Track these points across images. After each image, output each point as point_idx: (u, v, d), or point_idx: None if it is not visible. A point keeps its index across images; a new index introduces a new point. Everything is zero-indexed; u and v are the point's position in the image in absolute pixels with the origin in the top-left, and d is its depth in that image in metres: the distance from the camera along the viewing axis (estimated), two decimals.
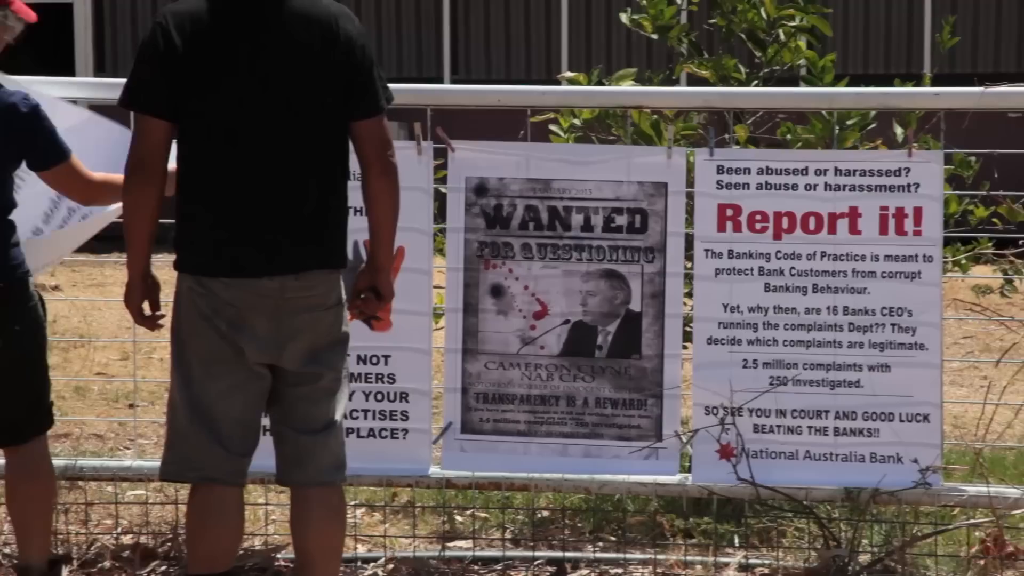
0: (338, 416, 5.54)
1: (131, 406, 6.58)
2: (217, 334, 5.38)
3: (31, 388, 5.95)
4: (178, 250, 5.44)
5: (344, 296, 5.53)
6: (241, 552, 6.24)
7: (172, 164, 5.43)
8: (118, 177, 5.62)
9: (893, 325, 6.34)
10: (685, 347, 6.50)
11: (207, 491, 5.48)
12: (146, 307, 5.57)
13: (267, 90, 5.33)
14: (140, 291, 5.53)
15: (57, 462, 6.51)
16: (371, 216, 5.53)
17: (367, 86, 5.44)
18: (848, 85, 7.44)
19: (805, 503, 6.44)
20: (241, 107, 5.32)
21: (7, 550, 6.46)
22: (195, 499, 5.51)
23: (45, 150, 5.83)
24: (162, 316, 5.56)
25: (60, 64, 16.94)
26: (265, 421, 5.61)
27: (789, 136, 7.28)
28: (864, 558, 6.35)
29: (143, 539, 6.69)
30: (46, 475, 6.00)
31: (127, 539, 6.70)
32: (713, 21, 7.77)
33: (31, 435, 5.97)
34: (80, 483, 6.84)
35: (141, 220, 5.42)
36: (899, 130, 7.00)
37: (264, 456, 5.63)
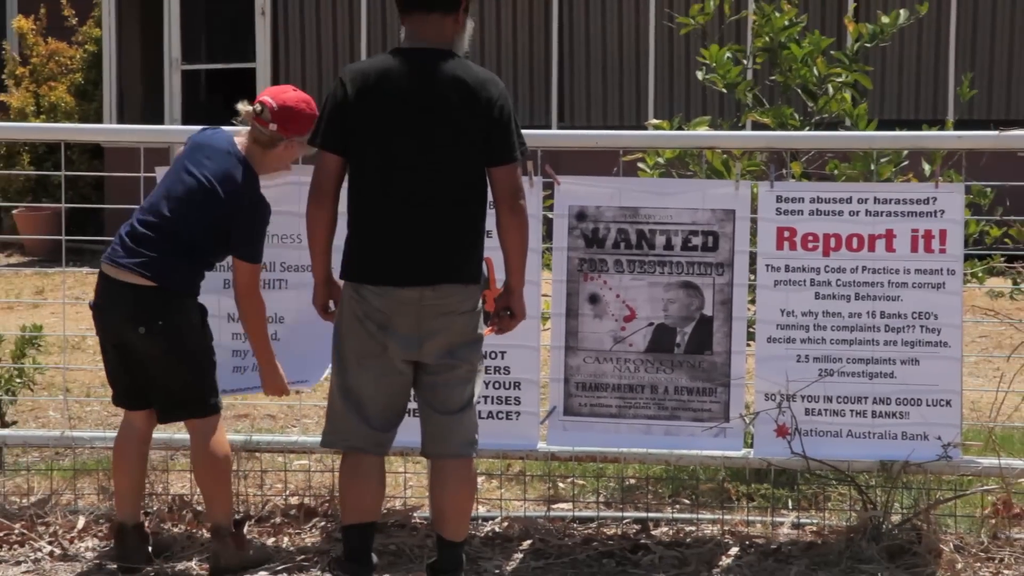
0: (472, 400, 5.62)
1: (297, 392, 6.62)
2: (367, 334, 5.51)
3: (173, 377, 5.94)
4: (344, 262, 5.60)
5: (476, 306, 5.60)
6: (384, 511, 6.29)
7: None
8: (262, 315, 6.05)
9: (922, 327, 6.32)
10: (749, 345, 6.48)
11: (354, 458, 5.63)
12: (331, 305, 5.74)
13: (420, 138, 5.45)
14: (324, 293, 5.75)
15: (237, 438, 6.59)
16: (503, 247, 5.64)
17: (503, 139, 5.51)
18: (883, 128, 7.42)
19: (847, 473, 6.42)
20: (398, 151, 5.46)
21: (199, 508, 6.52)
22: (345, 464, 5.67)
23: (249, 249, 5.99)
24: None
25: None
26: (413, 404, 5.72)
27: (836, 171, 7.25)
28: (895, 518, 6.32)
29: (306, 500, 6.72)
30: (212, 454, 5.97)
31: (294, 500, 6.74)
32: (773, 77, 7.75)
33: (184, 417, 6.00)
34: (256, 455, 6.90)
35: (319, 234, 5.63)
36: (927, 166, 6.96)
37: (405, 433, 5.72)
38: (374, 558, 5.75)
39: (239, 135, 6.09)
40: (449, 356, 5.55)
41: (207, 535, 6.22)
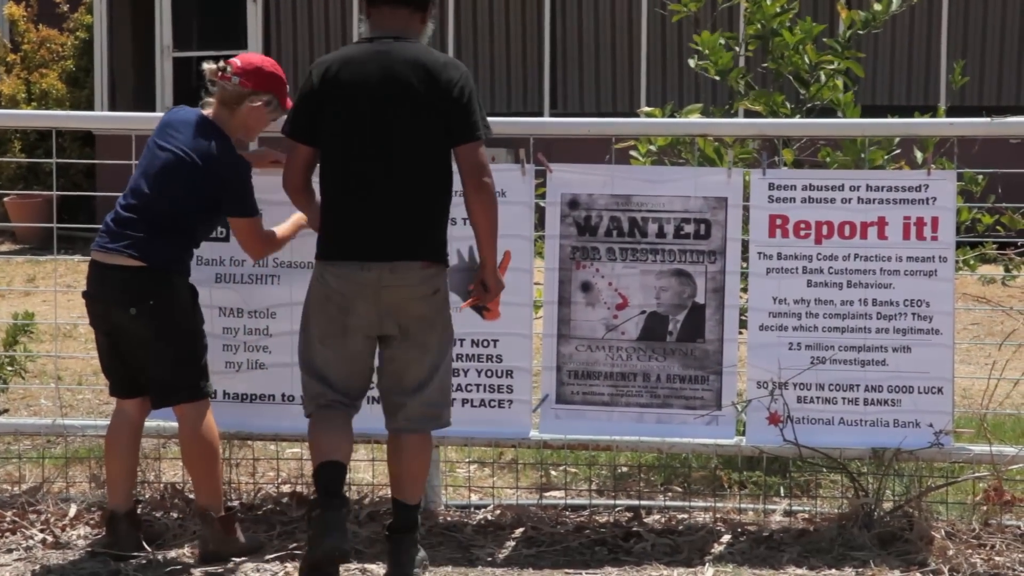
0: (431, 379, 5.76)
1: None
2: (328, 317, 5.72)
3: (165, 359, 5.96)
4: (317, 241, 5.81)
5: (443, 289, 5.74)
6: (376, 499, 6.28)
7: None
8: (277, 235, 6.16)
9: (913, 314, 6.32)
10: (741, 332, 6.49)
11: (321, 412, 5.80)
12: None
13: (380, 121, 5.63)
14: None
15: (229, 425, 6.56)
16: (472, 224, 5.75)
17: (464, 119, 5.64)
18: (875, 115, 7.42)
19: (839, 460, 6.42)
20: (360, 134, 5.65)
21: (191, 495, 6.51)
22: (314, 421, 5.83)
23: (242, 205, 6.02)
24: None
25: None
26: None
27: (828, 159, 7.25)
28: (887, 505, 6.33)
29: (298, 488, 6.73)
30: (202, 439, 5.99)
31: (286, 488, 6.75)
32: (765, 65, 7.75)
33: (176, 400, 6.00)
34: (248, 442, 6.90)
35: (303, 208, 5.99)
36: (919, 153, 6.96)
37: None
38: (347, 495, 5.90)
39: (206, 106, 6.13)
40: (405, 337, 5.71)
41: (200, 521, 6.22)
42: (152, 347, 5.92)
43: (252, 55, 6.26)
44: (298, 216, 6.12)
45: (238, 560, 6.01)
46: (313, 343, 5.77)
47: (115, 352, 6.03)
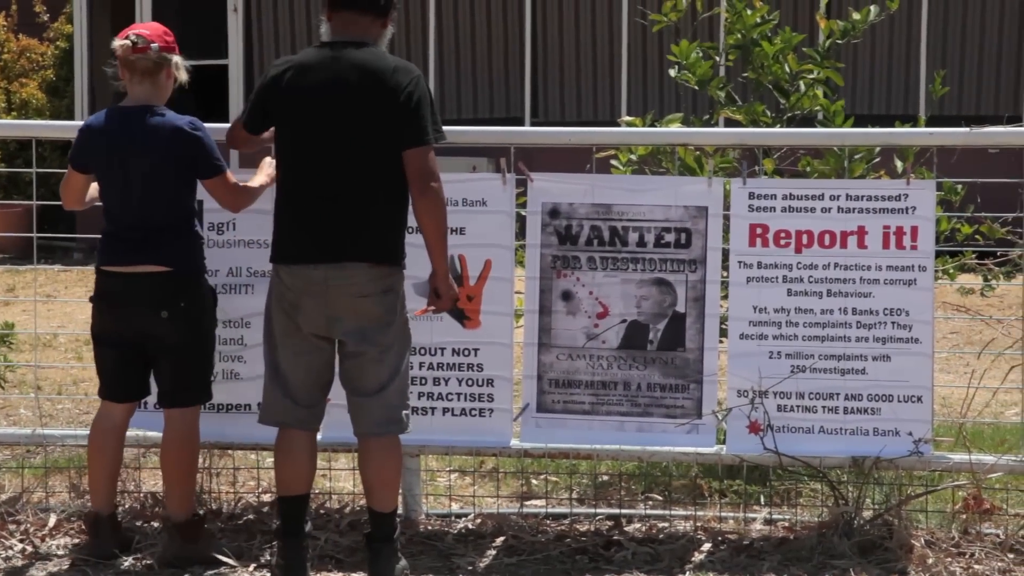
0: (390, 381, 5.81)
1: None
2: (284, 314, 5.80)
3: (188, 359, 6.08)
4: (272, 244, 5.91)
5: (396, 289, 5.81)
6: (357, 508, 6.29)
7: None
8: (251, 186, 6.19)
9: (893, 323, 6.34)
10: (721, 341, 6.49)
11: (283, 433, 5.91)
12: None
13: (329, 123, 5.73)
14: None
15: (209, 434, 6.56)
16: (420, 229, 5.80)
17: (412, 124, 5.70)
18: (855, 124, 7.44)
19: (819, 469, 6.43)
20: (310, 135, 5.76)
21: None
22: (277, 442, 5.94)
23: (208, 164, 6.05)
24: None
25: (217, 115, 17.08)
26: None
27: (808, 168, 7.27)
28: (867, 514, 6.34)
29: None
30: (191, 444, 6.12)
31: (267, 497, 6.74)
32: (746, 74, 7.77)
33: (188, 402, 6.10)
34: (229, 452, 6.89)
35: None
36: (899, 163, 6.98)
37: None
38: (308, 525, 5.98)
39: (123, 102, 6.17)
40: (360, 339, 5.76)
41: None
42: (176, 349, 6.03)
43: (148, 24, 6.32)
44: (267, 167, 6.22)
45: (206, 566, 6.05)
46: (276, 343, 5.86)
47: (127, 357, 6.09)
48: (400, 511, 6.57)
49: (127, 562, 6.11)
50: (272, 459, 6.09)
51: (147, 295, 5.98)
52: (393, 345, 5.81)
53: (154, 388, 6.19)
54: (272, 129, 5.95)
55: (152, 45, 6.06)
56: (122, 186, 6.04)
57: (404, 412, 5.88)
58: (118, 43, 6.12)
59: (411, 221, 5.86)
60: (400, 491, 6.28)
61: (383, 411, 5.83)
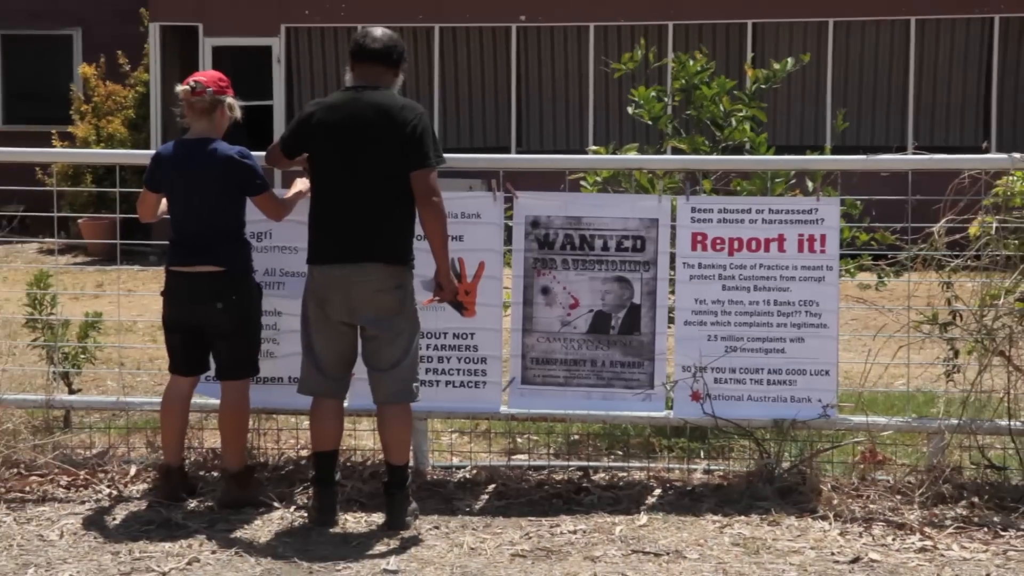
0: (401, 360, 5.81)
1: None
2: (317, 306, 5.80)
3: (240, 341, 6.06)
4: (308, 248, 5.91)
5: (406, 285, 5.81)
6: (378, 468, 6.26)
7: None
8: (288, 198, 6.21)
9: (806, 312, 6.32)
10: (669, 327, 6.48)
11: (316, 401, 5.93)
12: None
13: (351, 151, 5.75)
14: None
15: (257, 401, 6.51)
16: (425, 236, 5.82)
17: (416, 150, 5.73)
18: (775, 153, 7.43)
19: (747, 429, 6.41)
20: (336, 160, 5.78)
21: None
22: (312, 408, 5.95)
23: (254, 185, 6.05)
24: None
25: (263, 146, 17.00)
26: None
27: (738, 188, 7.25)
28: (785, 465, 6.31)
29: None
30: (242, 409, 6.12)
31: (304, 453, 6.70)
32: (689, 112, 7.75)
33: (239, 375, 6.09)
34: (274, 416, 6.85)
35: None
36: (810, 184, 6.97)
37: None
38: (337, 475, 5.99)
39: (186, 135, 6.13)
40: (376, 325, 5.79)
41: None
42: (229, 334, 6.02)
43: (207, 72, 6.31)
44: (299, 184, 6.23)
45: (256, 508, 6.04)
46: (310, 329, 5.86)
47: (189, 340, 6.07)
48: (412, 464, 6.54)
49: (192, 504, 6.11)
50: (308, 422, 6.06)
51: (206, 290, 5.96)
52: (405, 330, 5.81)
53: (212, 364, 6.18)
54: (305, 155, 5.93)
55: (208, 90, 6.04)
56: (185, 202, 6.01)
57: (414, 384, 5.88)
58: (180, 88, 6.11)
59: (418, 230, 5.85)
60: (412, 448, 6.25)
61: (397, 384, 5.82)
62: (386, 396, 5.85)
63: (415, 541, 5.66)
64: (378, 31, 5.94)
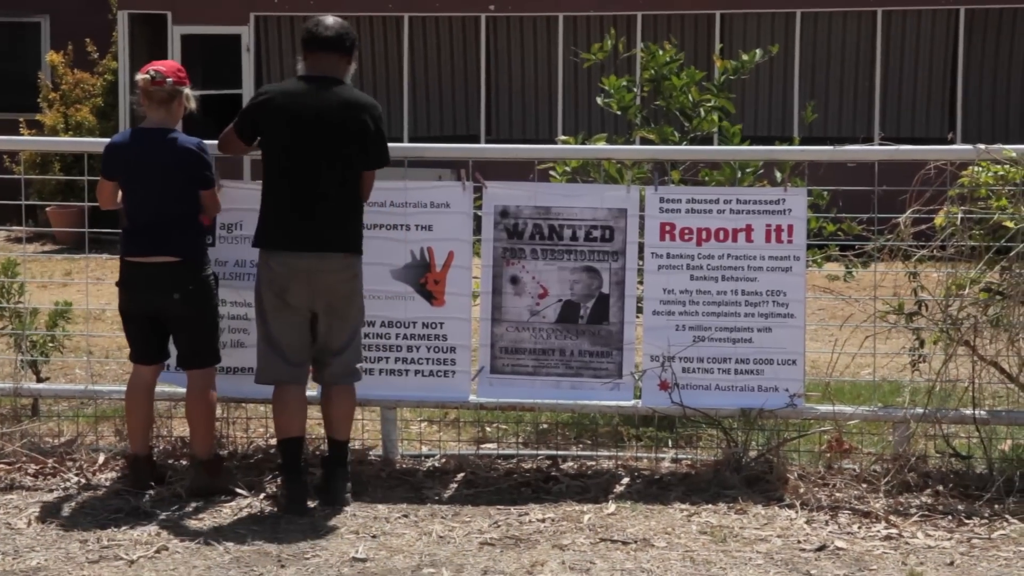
0: (350, 343, 5.94)
1: None
2: (274, 294, 5.85)
3: (199, 330, 6.05)
4: (257, 232, 5.93)
5: (359, 273, 5.92)
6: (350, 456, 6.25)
7: None
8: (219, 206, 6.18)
9: (773, 301, 6.34)
10: (638, 316, 6.49)
11: (279, 388, 5.95)
12: None
13: (309, 144, 5.80)
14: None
15: (226, 390, 6.49)
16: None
17: (380, 149, 5.91)
18: (743, 144, 7.44)
19: (715, 418, 6.44)
20: (295, 151, 5.82)
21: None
22: (275, 396, 5.99)
23: (206, 179, 6.05)
24: None
25: None
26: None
27: (707, 178, 7.26)
28: (752, 454, 6.34)
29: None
30: (208, 397, 6.09)
31: (273, 441, 6.67)
32: (657, 102, 7.76)
33: (202, 364, 6.08)
34: (243, 404, 6.83)
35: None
36: (778, 174, 6.98)
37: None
38: (303, 465, 5.98)
39: (143, 124, 6.11)
40: (330, 311, 5.87)
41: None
42: (188, 322, 6.01)
43: (165, 62, 6.27)
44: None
45: (224, 496, 6.03)
46: (268, 317, 5.89)
47: (147, 329, 6.06)
48: (380, 453, 6.56)
49: (161, 492, 6.08)
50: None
51: (164, 281, 5.95)
52: (354, 316, 5.97)
53: (174, 353, 6.18)
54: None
55: (168, 80, 6.03)
56: (142, 191, 6.00)
57: (358, 365, 6.04)
58: (140, 77, 6.09)
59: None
60: (381, 438, 6.24)
61: (343, 366, 5.96)
62: (336, 377, 5.98)
63: (384, 529, 5.66)
64: (330, 19, 5.98)
